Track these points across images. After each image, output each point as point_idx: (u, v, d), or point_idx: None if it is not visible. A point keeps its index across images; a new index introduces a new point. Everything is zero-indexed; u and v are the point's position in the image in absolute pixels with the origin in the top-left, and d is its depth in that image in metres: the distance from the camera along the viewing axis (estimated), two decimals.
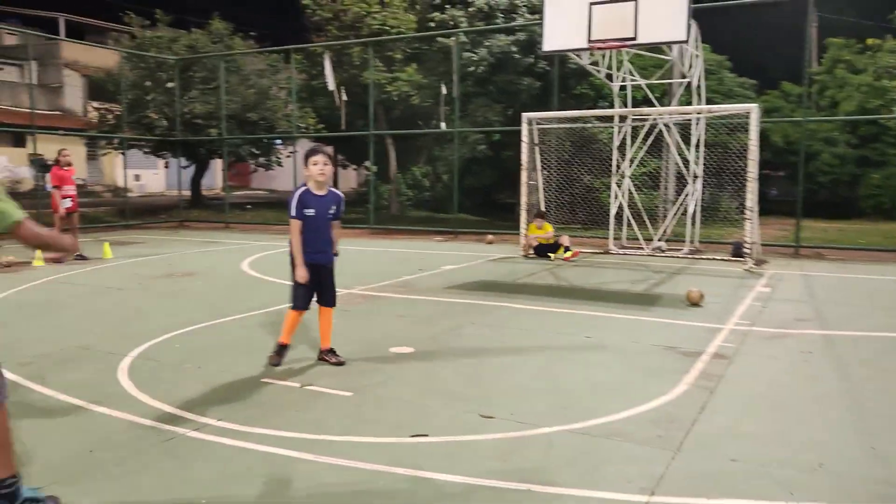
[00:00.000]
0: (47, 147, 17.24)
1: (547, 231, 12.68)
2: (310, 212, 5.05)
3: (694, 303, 7.70)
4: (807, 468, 3.48)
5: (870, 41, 26.67)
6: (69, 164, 11.86)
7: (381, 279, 9.59)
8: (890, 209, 23.17)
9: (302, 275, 5.12)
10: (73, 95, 35.87)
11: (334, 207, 5.19)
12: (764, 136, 25.25)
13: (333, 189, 5.22)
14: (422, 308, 7.64)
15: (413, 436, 3.89)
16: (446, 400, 4.54)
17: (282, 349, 5.35)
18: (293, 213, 5.04)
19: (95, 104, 26.84)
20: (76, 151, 33.02)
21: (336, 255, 5.34)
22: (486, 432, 3.96)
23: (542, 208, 13.36)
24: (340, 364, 5.29)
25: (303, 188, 5.08)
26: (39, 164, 20.56)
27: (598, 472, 3.44)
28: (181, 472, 3.44)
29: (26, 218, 2.80)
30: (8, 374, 4.35)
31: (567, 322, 6.94)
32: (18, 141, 31.92)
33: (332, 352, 5.40)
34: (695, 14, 13.99)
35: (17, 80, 34.84)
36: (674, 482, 3.31)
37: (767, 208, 23.25)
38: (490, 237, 14.92)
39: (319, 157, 5.02)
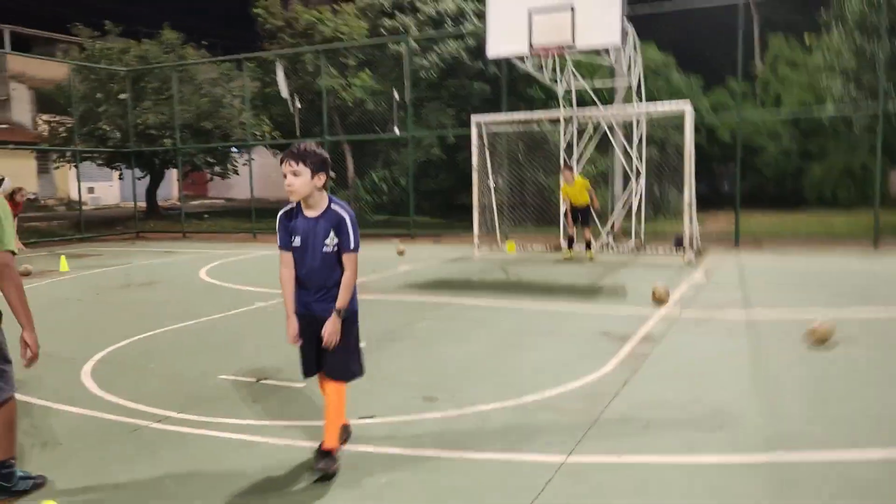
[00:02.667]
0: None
1: (578, 187, 11.74)
2: (295, 241, 3.50)
3: (660, 299, 7.68)
4: (709, 428, 3.93)
5: (808, 38, 27.83)
6: (21, 201, 12.04)
7: None
8: (831, 200, 24.30)
9: (289, 331, 3.58)
10: (21, 109, 35.25)
11: (332, 233, 3.46)
12: (712, 132, 26.17)
13: (336, 206, 3.49)
14: (376, 307, 7.97)
15: (361, 417, 4.24)
16: (394, 386, 4.90)
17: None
18: (278, 241, 3.58)
19: (45, 117, 26.51)
20: (27, 165, 32.53)
21: (338, 311, 3.50)
22: (428, 412, 4.34)
23: (495, 209, 13.77)
24: (326, 476, 3.44)
25: (288, 206, 3.58)
26: None
27: (524, 439, 3.84)
28: (146, 458, 3.74)
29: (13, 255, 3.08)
30: None
31: (513, 314, 7.36)
32: None
33: (328, 456, 3.48)
34: (637, 16, 14.64)
35: None
36: (590, 444, 3.73)
37: (720, 202, 24.21)
38: (401, 247, 13.46)
39: (287, 164, 3.40)
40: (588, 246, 12.17)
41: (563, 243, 12.80)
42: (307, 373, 3.72)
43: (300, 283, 3.56)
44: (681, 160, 13.07)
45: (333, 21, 21.86)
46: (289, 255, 3.54)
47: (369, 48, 21.13)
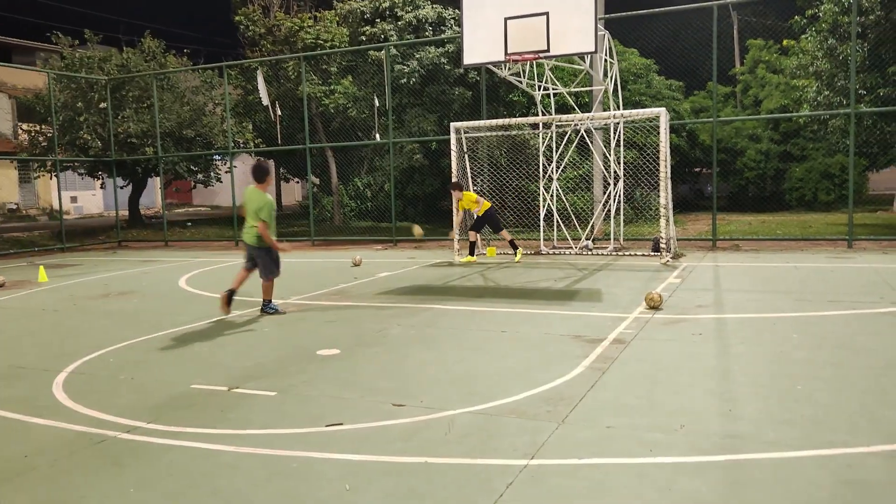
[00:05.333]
0: None
1: (471, 200, 12.59)
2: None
3: (654, 306, 7.57)
4: (669, 430, 4.00)
5: (786, 42, 28.18)
6: None
7: (317, 289, 9.94)
8: (811, 201, 24.58)
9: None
10: (2, 118, 35.01)
11: None
12: (693, 136, 26.38)
13: None
14: (352, 314, 8.02)
15: (328, 425, 4.29)
16: (364, 393, 4.95)
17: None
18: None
19: (25, 126, 26.37)
20: (8, 175, 32.32)
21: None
22: (396, 418, 4.38)
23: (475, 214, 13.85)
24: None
25: None
26: None
27: (489, 444, 3.89)
28: (110, 469, 3.76)
29: None
30: None
31: (487, 319, 7.42)
32: None
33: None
34: (616, 21, 14.78)
35: None
36: (553, 448, 3.79)
37: (704, 204, 24.41)
38: (358, 257, 12.88)
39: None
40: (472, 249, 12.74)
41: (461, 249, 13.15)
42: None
43: None
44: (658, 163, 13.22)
45: (314, 28, 21.92)
46: None
47: (350, 55, 21.19)
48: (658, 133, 12.12)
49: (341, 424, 4.30)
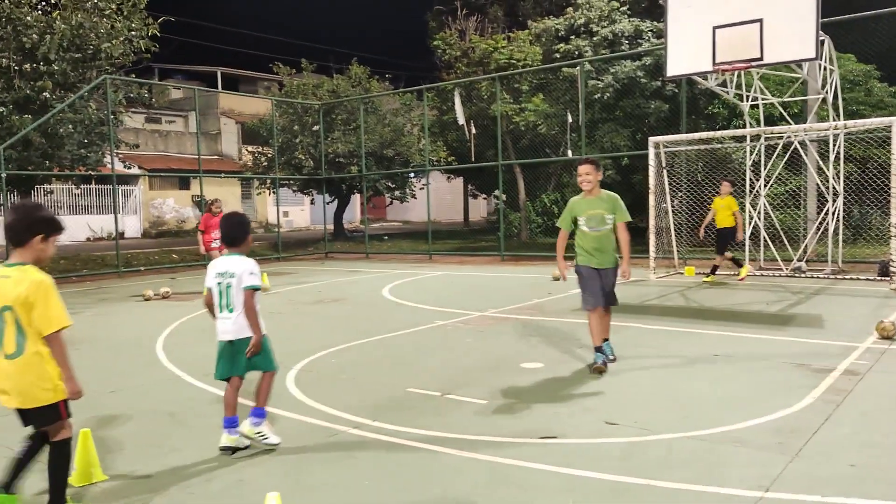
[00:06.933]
0: (210, 189, 19.27)
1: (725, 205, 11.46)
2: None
3: (888, 335, 6.85)
4: None
5: None
6: (220, 212, 12.77)
7: (512, 303, 10.08)
8: None
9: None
10: (230, 141, 39.49)
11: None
12: None
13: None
14: (550, 329, 8.04)
15: (542, 437, 4.33)
16: (573, 409, 4.93)
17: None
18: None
19: (249, 148, 29.53)
20: (233, 192, 36.33)
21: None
22: (610, 437, 4.33)
23: (672, 232, 13.32)
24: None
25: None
26: (200, 205, 22.84)
27: (714, 471, 3.71)
28: (346, 461, 4.08)
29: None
30: (197, 382, 5.21)
31: (695, 340, 7.09)
32: (183, 184, 35.61)
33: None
34: (832, 25, 13.60)
35: (181, 129, 38.98)
36: (789, 482, 3.53)
37: None
38: (556, 272, 12.23)
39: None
40: (712, 271, 11.70)
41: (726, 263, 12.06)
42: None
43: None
44: (885, 178, 11.89)
45: (507, 49, 22.39)
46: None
47: (543, 72, 21.37)
48: (881, 145, 10.91)
49: (555, 438, 4.32)
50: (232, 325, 4.21)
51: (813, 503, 3.31)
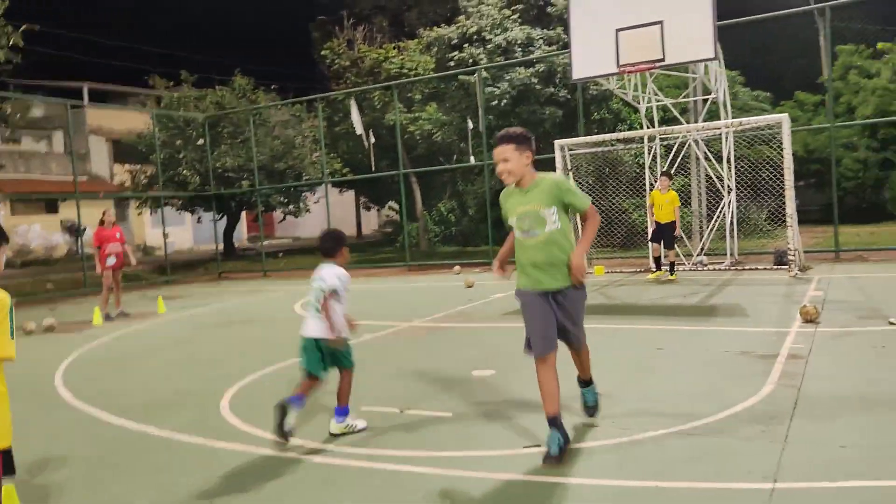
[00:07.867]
0: (82, 212, 17.70)
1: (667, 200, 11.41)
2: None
3: (811, 319, 7.08)
4: None
5: (881, 45, 26.91)
6: (112, 224, 11.81)
7: (436, 312, 9.81)
8: None
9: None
10: (100, 160, 36.85)
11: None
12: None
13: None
14: (486, 335, 7.83)
15: (526, 447, 4.07)
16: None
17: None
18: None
19: (126, 166, 27.63)
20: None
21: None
22: (596, 440, 4.14)
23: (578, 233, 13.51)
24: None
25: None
26: (72, 230, 21.04)
27: (716, 466, 3.59)
28: (323, 488, 3.64)
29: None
30: (117, 420, 4.55)
31: (633, 337, 7.10)
32: (50, 208, 32.83)
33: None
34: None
35: (45, 149, 35.97)
36: (792, 470, 3.46)
37: (801, 217, 23.32)
38: (470, 279, 12.89)
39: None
40: (671, 268, 11.70)
41: (651, 264, 12.45)
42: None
43: None
44: (773, 174, 12.65)
45: (398, 58, 22.24)
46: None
47: (435, 80, 21.36)
48: (766, 143, 11.60)
49: (539, 446, 4.08)
50: (318, 324, 4.51)
51: (826, 489, 3.24)
